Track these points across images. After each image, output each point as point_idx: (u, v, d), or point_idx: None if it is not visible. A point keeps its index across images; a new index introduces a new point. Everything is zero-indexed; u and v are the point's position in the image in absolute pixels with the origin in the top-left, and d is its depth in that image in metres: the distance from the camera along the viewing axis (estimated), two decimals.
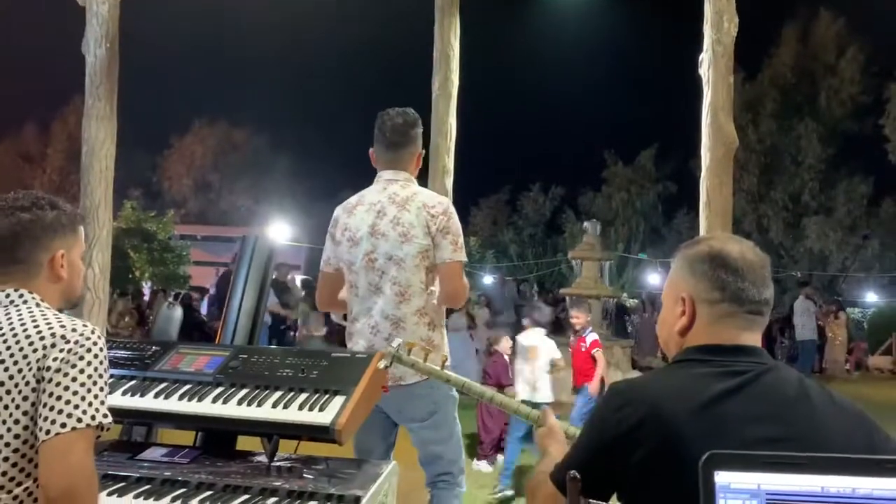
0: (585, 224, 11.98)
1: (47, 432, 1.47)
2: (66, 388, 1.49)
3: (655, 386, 1.43)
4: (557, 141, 41.16)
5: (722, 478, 1.01)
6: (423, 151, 2.95)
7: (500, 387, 5.82)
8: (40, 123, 35.22)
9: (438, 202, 2.77)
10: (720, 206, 3.62)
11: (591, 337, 6.61)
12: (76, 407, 1.48)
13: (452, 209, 2.78)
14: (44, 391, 1.50)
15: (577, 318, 6.83)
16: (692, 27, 4.35)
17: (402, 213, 2.74)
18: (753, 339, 1.44)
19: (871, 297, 23.81)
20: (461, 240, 2.77)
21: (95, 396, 1.52)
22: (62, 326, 1.56)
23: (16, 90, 35.42)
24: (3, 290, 1.62)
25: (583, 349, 6.62)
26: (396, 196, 2.78)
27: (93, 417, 1.49)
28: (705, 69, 3.78)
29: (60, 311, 1.68)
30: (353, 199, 2.90)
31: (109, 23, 4.28)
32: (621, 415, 1.37)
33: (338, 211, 2.92)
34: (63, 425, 1.47)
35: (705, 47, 3.81)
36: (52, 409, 1.48)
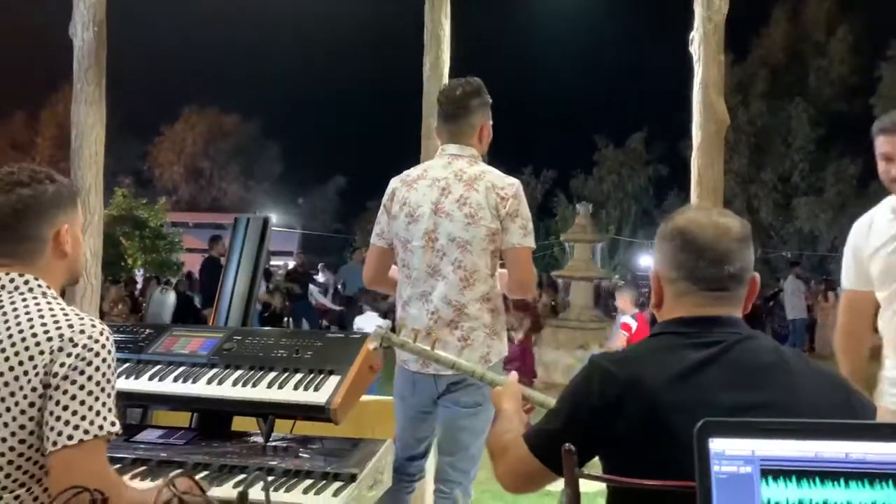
0: (578, 206, 12.00)
1: (55, 444, 1.43)
2: (74, 398, 1.45)
3: (634, 358, 1.46)
4: (549, 124, 41.09)
5: (717, 445, 1.03)
6: (490, 123, 2.74)
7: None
8: (29, 112, 34.94)
9: (509, 184, 2.59)
10: (711, 184, 3.63)
11: (622, 319, 6.63)
12: (83, 418, 1.45)
13: (522, 192, 2.62)
14: (50, 398, 1.45)
15: (619, 302, 7.04)
16: (682, 7, 4.34)
17: (470, 193, 2.56)
18: (722, 311, 1.45)
19: None
20: (530, 224, 2.60)
21: (103, 404, 1.48)
22: (70, 326, 1.50)
23: (4, 78, 35.09)
24: (7, 275, 1.55)
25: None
26: (463, 173, 2.60)
27: (101, 427, 1.46)
28: (696, 47, 3.78)
29: (63, 292, 1.64)
30: (413, 172, 2.70)
31: (97, 6, 4.25)
32: (602, 387, 1.40)
33: (395, 183, 2.71)
34: (70, 437, 1.43)
35: (696, 25, 3.81)
36: (58, 419, 1.44)
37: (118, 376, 2.18)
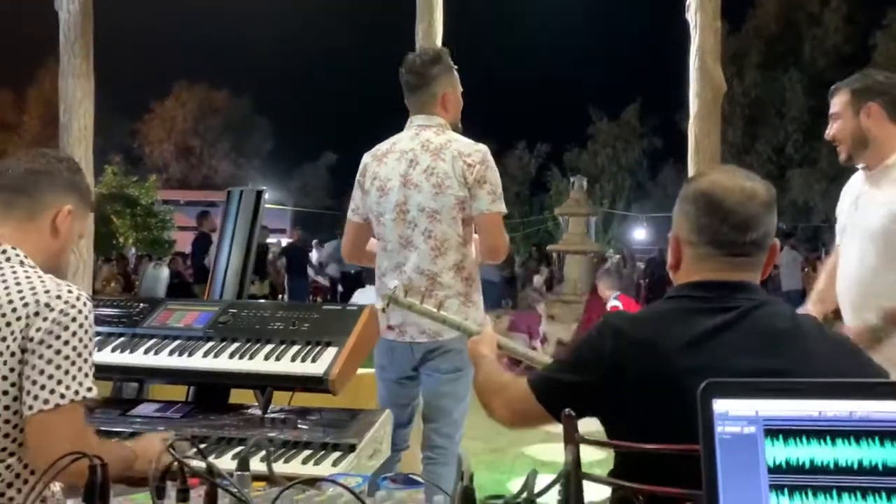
0: (572, 179, 12.01)
1: (30, 408, 1.44)
2: (49, 362, 1.46)
3: (649, 320, 1.45)
4: (542, 97, 40.91)
5: (720, 405, 1.01)
6: (458, 90, 2.75)
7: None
8: (16, 91, 34.56)
9: (475, 150, 2.59)
10: (709, 152, 3.62)
11: (610, 304, 6.65)
12: (59, 382, 1.45)
13: (490, 158, 2.62)
14: (27, 363, 1.46)
15: (599, 290, 7.07)
16: None
17: (437, 163, 2.57)
18: (741, 276, 1.43)
19: None
20: (500, 190, 2.61)
21: (79, 369, 1.48)
22: (46, 292, 1.50)
23: None
24: None
25: None
26: (430, 143, 2.61)
27: (76, 392, 1.46)
28: (692, 13, 3.74)
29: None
30: (383, 146, 2.73)
31: None
32: (614, 345, 1.39)
33: (367, 158, 2.74)
34: (46, 401, 1.44)
35: None
36: (34, 383, 1.45)
37: (113, 349, 2.18)
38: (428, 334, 2.58)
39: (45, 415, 1.43)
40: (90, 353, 1.52)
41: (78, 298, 1.51)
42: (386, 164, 2.66)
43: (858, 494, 0.96)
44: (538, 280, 12.10)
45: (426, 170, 2.58)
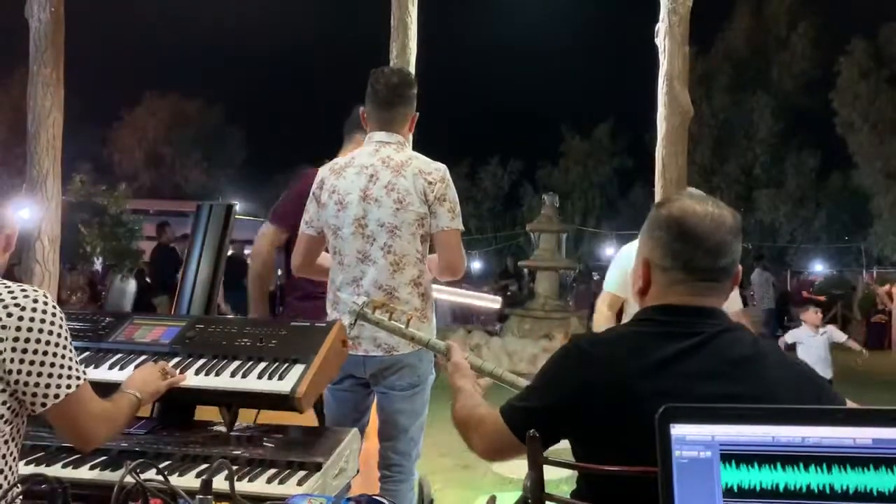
0: (544, 196, 12.10)
1: (43, 405, 1.57)
2: (42, 364, 1.54)
3: (615, 343, 1.46)
4: (515, 114, 41.17)
5: (678, 430, 1.04)
6: (418, 114, 2.83)
7: None
8: None
9: (435, 168, 2.64)
10: (675, 175, 3.69)
11: None
12: (59, 377, 1.57)
13: (449, 176, 2.67)
14: (22, 362, 1.53)
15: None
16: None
17: (398, 179, 2.60)
18: (709, 302, 1.46)
19: (818, 267, 24.57)
20: (458, 208, 2.65)
21: (71, 359, 1.59)
22: (11, 295, 1.53)
23: None
24: None
25: None
26: (390, 160, 2.64)
27: (78, 378, 1.60)
28: (661, 38, 3.82)
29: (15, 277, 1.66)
30: (341, 161, 2.75)
31: None
32: (579, 369, 1.41)
33: (324, 171, 2.75)
34: (56, 396, 1.56)
35: (661, 17, 3.85)
36: (37, 384, 1.55)
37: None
38: (383, 348, 2.60)
39: (56, 406, 1.59)
40: (69, 341, 1.61)
41: (36, 294, 1.57)
42: (345, 177, 2.68)
43: None
44: None
45: (387, 185, 2.61)
